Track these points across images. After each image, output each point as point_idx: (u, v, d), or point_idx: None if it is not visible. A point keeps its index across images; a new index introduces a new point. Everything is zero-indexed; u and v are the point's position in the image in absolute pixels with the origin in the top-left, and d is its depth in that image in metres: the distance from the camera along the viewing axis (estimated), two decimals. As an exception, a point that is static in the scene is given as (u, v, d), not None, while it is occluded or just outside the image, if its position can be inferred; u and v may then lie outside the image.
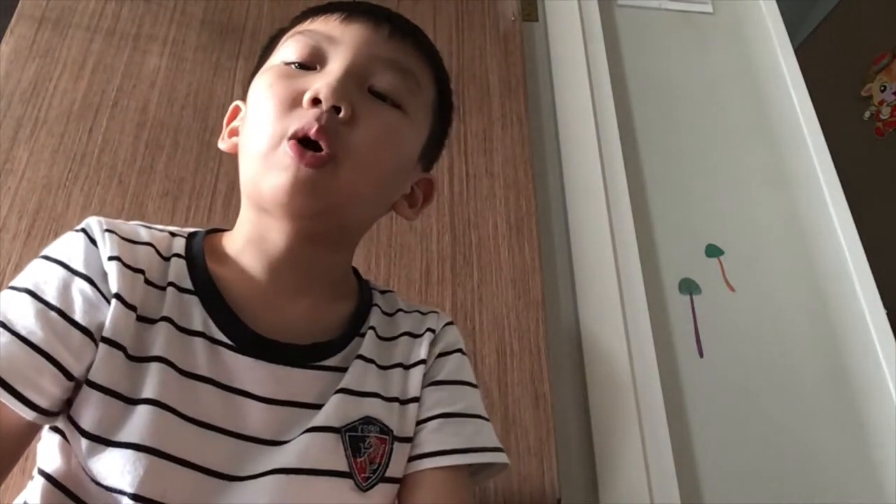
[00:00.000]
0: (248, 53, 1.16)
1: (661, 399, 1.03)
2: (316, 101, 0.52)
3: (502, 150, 1.15)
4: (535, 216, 1.10)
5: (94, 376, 0.48)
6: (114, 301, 0.50)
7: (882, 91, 2.22)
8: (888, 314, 1.20)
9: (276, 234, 0.56)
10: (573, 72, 1.32)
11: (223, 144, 0.63)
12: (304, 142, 0.51)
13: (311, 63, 0.56)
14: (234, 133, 0.62)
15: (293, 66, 0.56)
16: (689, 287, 1.19)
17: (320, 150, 0.51)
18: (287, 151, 0.51)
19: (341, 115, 0.52)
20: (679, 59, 1.45)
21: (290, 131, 0.52)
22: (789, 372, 1.14)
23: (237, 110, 0.64)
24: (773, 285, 1.22)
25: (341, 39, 0.56)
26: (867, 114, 2.26)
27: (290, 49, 0.57)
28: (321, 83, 0.53)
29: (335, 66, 0.55)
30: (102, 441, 0.47)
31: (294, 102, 0.53)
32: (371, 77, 0.56)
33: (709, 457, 1.05)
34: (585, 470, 0.98)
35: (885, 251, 1.51)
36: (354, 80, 0.54)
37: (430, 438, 0.57)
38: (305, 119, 0.52)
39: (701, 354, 1.13)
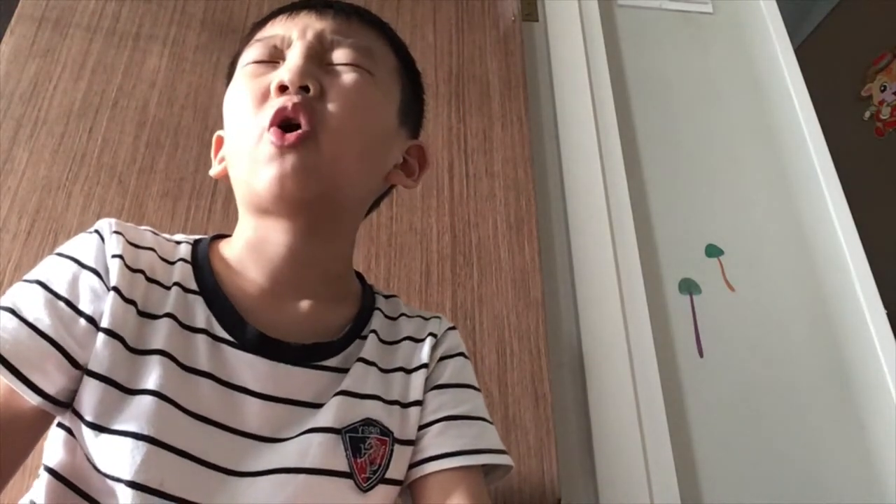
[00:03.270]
0: (248, 53, 1.16)
1: (661, 399, 1.03)
2: (283, 88, 0.54)
3: (502, 150, 1.15)
4: (535, 216, 1.10)
5: (93, 365, 0.49)
6: (112, 293, 0.51)
7: (882, 91, 2.22)
8: (888, 314, 1.20)
9: (277, 234, 0.57)
10: (573, 72, 1.32)
11: (213, 171, 0.65)
12: (284, 127, 0.53)
13: (272, 58, 0.58)
14: (223, 161, 0.63)
15: (255, 63, 0.58)
16: (689, 287, 1.19)
17: (300, 128, 0.53)
18: (270, 139, 0.53)
19: (311, 92, 0.55)
20: (679, 59, 1.45)
21: (268, 120, 0.53)
22: (789, 372, 1.14)
23: (220, 140, 0.66)
24: (773, 285, 1.22)
25: (291, 33, 0.59)
26: (867, 114, 2.26)
27: (248, 55, 0.60)
28: (283, 70, 0.55)
29: (293, 54, 0.57)
30: (102, 429, 0.48)
31: (264, 95, 0.55)
32: (328, 54, 0.58)
33: (709, 457, 1.05)
34: (585, 470, 0.98)
35: (885, 251, 1.51)
36: (314, 61, 0.57)
37: (435, 442, 0.57)
38: (279, 104, 0.54)
39: (701, 354, 1.13)
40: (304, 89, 0.54)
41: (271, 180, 0.53)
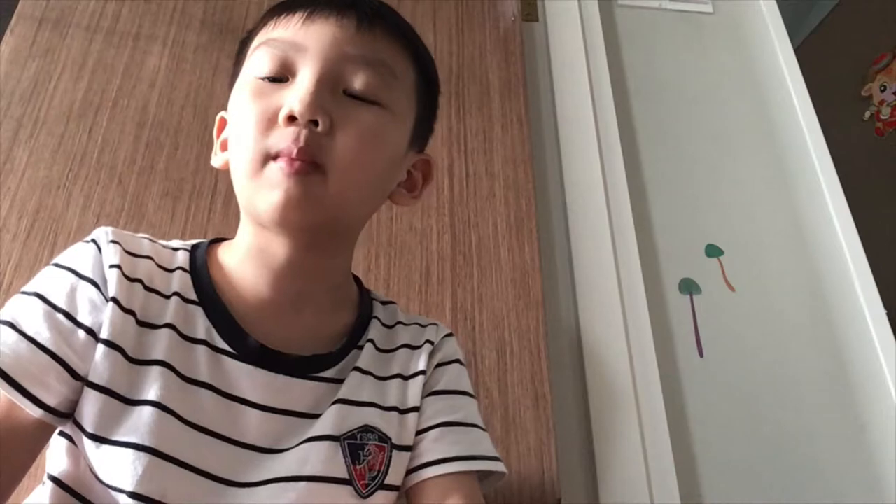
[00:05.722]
0: (248, 53, 1.16)
1: (661, 399, 1.03)
2: (292, 119, 0.52)
3: (502, 150, 1.15)
4: (535, 216, 1.10)
5: (93, 376, 0.49)
6: (110, 304, 0.51)
7: (882, 91, 2.22)
8: (888, 314, 1.20)
9: (277, 246, 0.56)
10: (573, 72, 1.32)
11: (217, 161, 0.62)
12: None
13: (282, 74, 0.55)
14: (226, 146, 0.61)
15: (265, 80, 0.55)
16: (689, 287, 1.19)
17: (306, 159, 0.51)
18: (280, 167, 0.51)
19: (319, 128, 0.52)
20: (679, 59, 1.45)
21: (274, 151, 0.52)
22: (789, 372, 1.14)
23: (224, 122, 0.63)
24: (773, 285, 1.22)
25: (306, 44, 0.54)
26: (867, 114, 2.26)
27: (258, 62, 0.56)
28: (293, 98, 0.52)
29: (305, 76, 0.53)
30: (103, 440, 0.48)
31: (271, 121, 0.53)
32: (344, 79, 0.55)
33: (709, 457, 1.05)
34: (585, 470, 0.98)
35: (885, 251, 1.51)
36: (327, 88, 0.53)
37: (432, 447, 0.58)
38: (285, 139, 0.51)
39: (701, 354, 1.13)
40: (313, 122, 0.52)
41: (273, 207, 0.52)
